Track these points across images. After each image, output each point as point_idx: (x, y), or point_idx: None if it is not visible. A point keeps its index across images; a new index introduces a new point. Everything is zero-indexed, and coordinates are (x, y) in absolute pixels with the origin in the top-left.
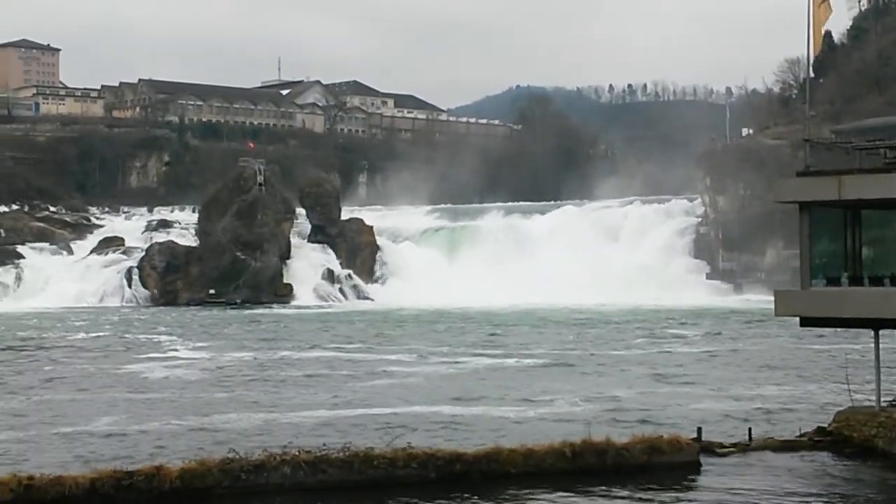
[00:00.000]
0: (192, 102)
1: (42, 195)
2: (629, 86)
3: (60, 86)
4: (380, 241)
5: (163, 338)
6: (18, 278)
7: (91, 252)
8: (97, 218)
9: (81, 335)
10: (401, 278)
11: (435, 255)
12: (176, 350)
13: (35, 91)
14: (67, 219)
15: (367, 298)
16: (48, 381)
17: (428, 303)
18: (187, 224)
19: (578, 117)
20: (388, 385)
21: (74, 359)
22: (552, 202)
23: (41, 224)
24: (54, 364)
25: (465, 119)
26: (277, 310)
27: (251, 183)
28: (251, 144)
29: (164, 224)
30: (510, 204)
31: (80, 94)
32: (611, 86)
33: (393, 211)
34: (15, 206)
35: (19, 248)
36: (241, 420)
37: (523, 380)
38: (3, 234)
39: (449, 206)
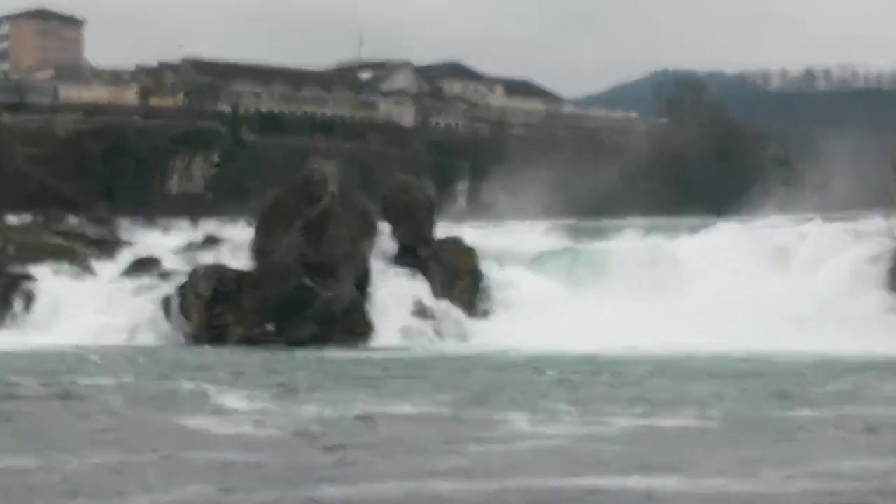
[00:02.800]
0: (250, 88)
1: (60, 203)
2: (808, 70)
3: (85, 66)
4: (484, 265)
5: (216, 385)
6: (28, 307)
7: (120, 275)
8: (128, 232)
9: (112, 380)
10: (510, 313)
11: (554, 284)
12: (236, 401)
13: (54, 73)
14: (90, 232)
15: (467, 338)
16: (91, 438)
17: (545, 345)
18: (241, 241)
19: (741, 109)
20: (505, 451)
21: (113, 410)
22: (705, 218)
23: (58, 239)
24: (90, 417)
25: (594, 111)
26: (354, 352)
27: (322, 190)
28: (322, 141)
29: (212, 241)
30: (651, 220)
31: (108, 76)
32: (783, 70)
33: (501, 228)
34: (27, 216)
35: (31, 269)
36: (327, 491)
37: (682, 446)
38: (11, 252)
39: (573, 221)
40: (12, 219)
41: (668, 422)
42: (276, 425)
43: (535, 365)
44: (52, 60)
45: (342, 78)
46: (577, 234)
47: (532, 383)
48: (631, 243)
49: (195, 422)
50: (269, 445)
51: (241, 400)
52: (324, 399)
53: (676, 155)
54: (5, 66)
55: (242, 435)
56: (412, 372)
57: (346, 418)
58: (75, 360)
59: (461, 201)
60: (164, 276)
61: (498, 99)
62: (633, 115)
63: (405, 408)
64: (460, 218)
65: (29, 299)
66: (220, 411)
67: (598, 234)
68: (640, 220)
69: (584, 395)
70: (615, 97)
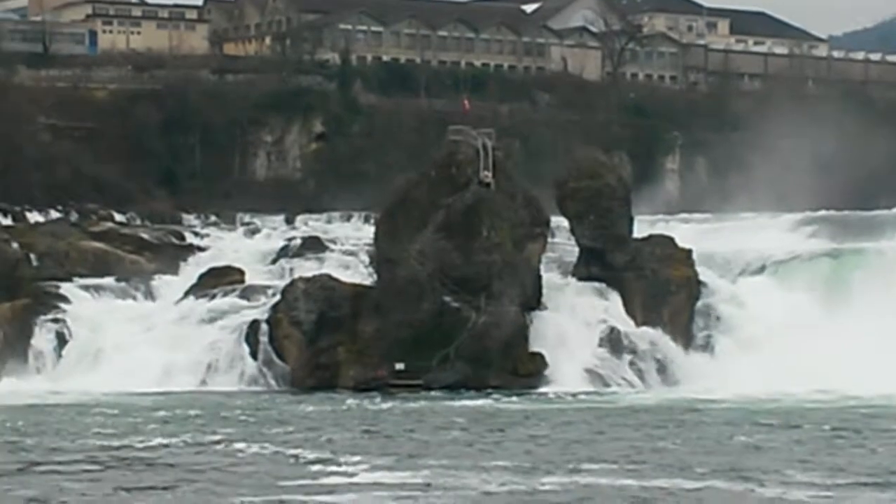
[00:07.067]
0: (365, 27)
1: (102, 193)
2: None
3: (134, 1)
4: (704, 276)
5: (329, 449)
6: (60, 341)
7: (186, 295)
8: (196, 233)
9: (186, 441)
10: (742, 344)
11: (807, 302)
12: (369, 471)
13: (91, 11)
14: (145, 235)
15: (680, 381)
16: None
17: (798, 388)
18: (355, 244)
19: None
20: None
21: (200, 485)
22: None
23: (99, 244)
24: (171, 495)
25: (861, 55)
26: (519, 402)
27: (469, 171)
28: (467, 103)
29: (315, 244)
30: None
31: (167, 15)
32: None
33: (728, 222)
34: (55, 213)
35: (62, 288)
36: None
37: None
38: (34, 262)
39: (833, 212)
40: (36, 216)
41: None
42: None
43: (797, 418)
44: None
45: (497, 12)
46: (838, 230)
47: (802, 447)
48: None
49: (327, 500)
50: None
51: (377, 471)
52: (493, 467)
53: None
54: (23, 1)
55: None
56: (610, 428)
57: (531, 494)
58: (129, 414)
59: (670, 186)
60: (249, 294)
61: (721, 38)
62: None
63: (605, 479)
64: (669, 209)
65: (59, 331)
66: (354, 488)
67: (871, 230)
68: None
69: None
70: (890, 35)
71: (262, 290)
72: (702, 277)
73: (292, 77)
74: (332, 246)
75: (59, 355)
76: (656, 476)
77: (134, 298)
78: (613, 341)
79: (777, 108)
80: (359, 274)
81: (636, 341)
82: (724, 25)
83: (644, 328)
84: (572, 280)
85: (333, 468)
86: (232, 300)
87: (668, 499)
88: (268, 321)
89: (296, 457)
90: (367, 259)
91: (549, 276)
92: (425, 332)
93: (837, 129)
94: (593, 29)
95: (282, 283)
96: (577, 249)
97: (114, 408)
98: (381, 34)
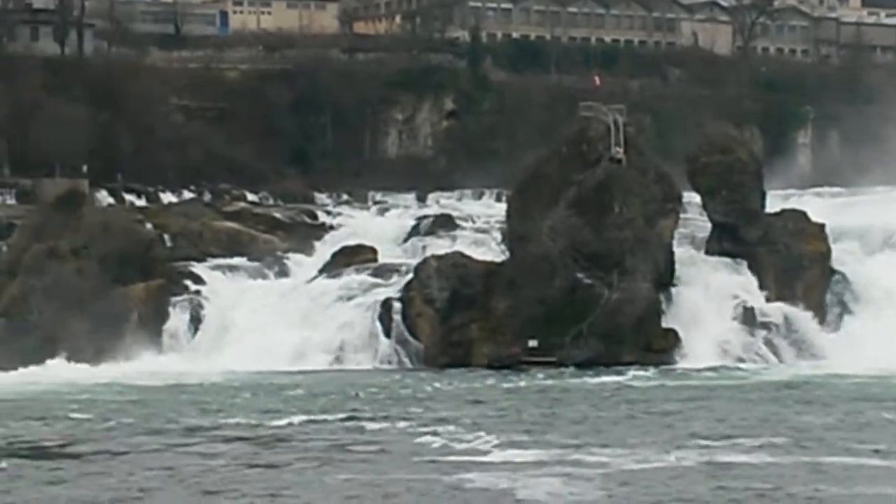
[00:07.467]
0: (494, 5)
1: (234, 173)
2: None
3: None
4: (837, 251)
5: (463, 427)
6: (195, 320)
7: (319, 273)
8: (329, 212)
9: (320, 419)
10: (877, 319)
11: None
12: (502, 449)
13: None
14: (277, 214)
15: (816, 356)
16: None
17: None
18: (487, 222)
19: None
20: None
21: (332, 463)
22: None
23: (232, 224)
24: (306, 472)
25: None
26: (652, 378)
27: (601, 147)
28: (597, 79)
29: (446, 222)
30: None
31: None
32: None
33: (861, 196)
34: (188, 194)
35: (195, 268)
36: None
37: None
38: (168, 243)
39: None
40: (169, 197)
41: None
42: (591, 481)
43: None
44: None
45: None
46: None
47: None
48: None
49: (479, 477)
50: None
51: (507, 448)
52: (624, 444)
53: None
54: None
55: (560, 495)
56: (743, 407)
57: (674, 467)
58: (266, 392)
59: (802, 160)
60: (383, 272)
61: (853, 11)
62: None
63: (741, 456)
64: (802, 183)
65: (193, 311)
66: (487, 466)
67: None
68: None
69: None
70: None
71: (395, 268)
72: (835, 252)
73: (422, 55)
74: (463, 223)
75: (194, 335)
76: (792, 452)
77: (267, 278)
78: (747, 317)
79: None
80: (491, 251)
81: (770, 317)
82: None
83: (778, 303)
84: (705, 256)
85: (466, 446)
86: (365, 279)
87: (804, 475)
88: (401, 299)
89: (429, 434)
90: (498, 236)
91: (682, 252)
92: (558, 309)
93: None
94: (724, 3)
95: (414, 262)
96: (709, 225)
97: (248, 387)
98: (511, 11)
